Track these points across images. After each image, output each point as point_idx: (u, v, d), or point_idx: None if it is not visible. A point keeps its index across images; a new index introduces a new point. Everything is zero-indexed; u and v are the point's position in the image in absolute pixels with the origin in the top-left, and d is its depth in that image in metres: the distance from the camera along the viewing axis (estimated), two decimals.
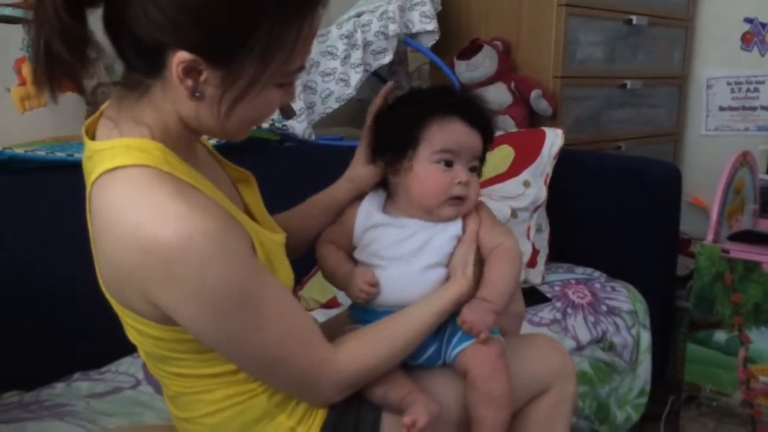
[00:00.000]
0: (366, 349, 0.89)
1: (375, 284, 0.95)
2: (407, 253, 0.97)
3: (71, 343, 1.31)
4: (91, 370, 1.27)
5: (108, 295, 0.82)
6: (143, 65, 0.76)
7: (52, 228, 1.34)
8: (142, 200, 0.73)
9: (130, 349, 1.28)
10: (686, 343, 1.71)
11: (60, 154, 1.40)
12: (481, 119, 0.99)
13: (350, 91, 1.99)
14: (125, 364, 1.28)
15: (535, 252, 1.72)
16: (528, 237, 1.70)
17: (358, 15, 2.06)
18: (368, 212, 1.02)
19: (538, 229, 1.76)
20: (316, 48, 1.97)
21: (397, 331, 0.92)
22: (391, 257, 0.97)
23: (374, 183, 1.06)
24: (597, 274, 1.77)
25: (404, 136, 0.98)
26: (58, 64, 0.72)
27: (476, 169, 1.00)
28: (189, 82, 0.75)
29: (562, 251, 1.84)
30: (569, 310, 1.58)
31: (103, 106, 0.84)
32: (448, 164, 0.97)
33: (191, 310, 0.75)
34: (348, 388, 0.89)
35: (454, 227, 0.99)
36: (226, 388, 0.86)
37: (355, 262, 1.01)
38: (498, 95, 2.07)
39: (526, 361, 1.01)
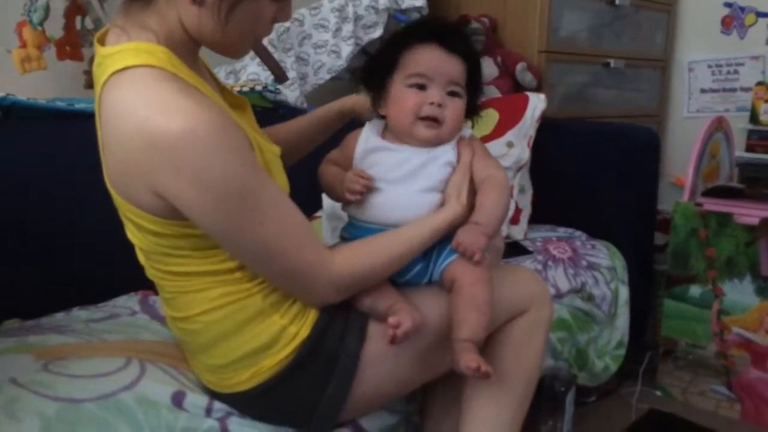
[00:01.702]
0: (361, 255, 0.95)
1: (368, 178, 1.02)
2: (404, 176, 1.03)
3: (70, 282, 1.36)
4: (89, 305, 1.32)
5: (114, 192, 0.88)
6: None
7: (52, 172, 1.39)
8: (150, 96, 0.80)
9: (126, 288, 1.37)
10: (663, 299, 1.78)
11: (60, 104, 1.46)
12: (459, 45, 1.05)
13: (341, 63, 2.05)
14: (122, 300, 1.33)
15: (518, 210, 1.79)
16: (512, 196, 1.76)
17: None
18: (367, 137, 1.09)
19: (522, 190, 1.83)
20: (308, 21, 2.04)
21: (392, 242, 0.98)
22: (390, 179, 1.03)
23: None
24: (578, 233, 1.84)
25: (384, 64, 1.06)
26: None
27: (457, 94, 1.05)
28: None
29: (545, 214, 1.91)
30: (550, 263, 1.64)
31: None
32: (421, 87, 1.03)
33: (195, 198, 0.81)
34: (342, 290, 0.94)
35: (448, 154, 1.05)
36: (223, 287, 0.92)
37: None
38: (485, 69, 2.13)
39: (505, 285, 1.07)
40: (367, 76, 1.09)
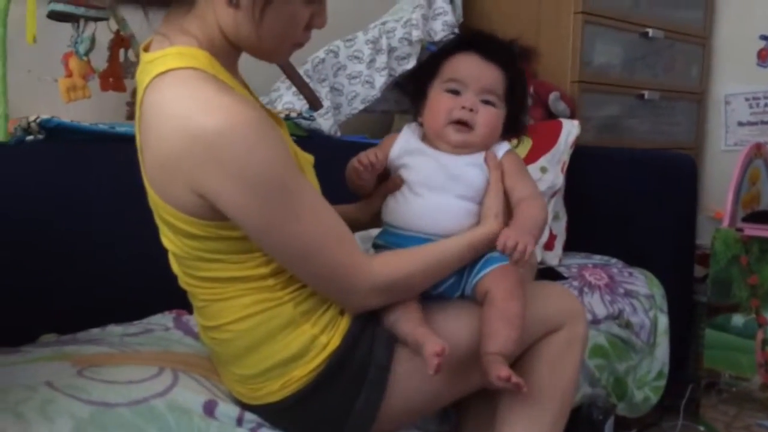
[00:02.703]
0: (398, 261, 0.96)
1: (381, 159, 1.05)
2: (442, 182, 1.04)
3: (106, 301, 1.37)
4: (124, 322, 1.33)
5: (151, 191, 0.89)
6: None
7: (92, 193, 1.42)
8: (191, 95, 0.82)
9: (159, 309, 1.38)
10: (704, 330, 1.72)
11: (102, 126, 1.50)
12: (498, 54, 1.06)
13: (375, 93, 2.08)
14: (156, 317, 1.34)
15: (553, 237, 1.77)
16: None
17: (384, 23, 2.17)
18: (407, 138, 1.10)
19: (556, 217, 1.81)
20: (343, 52, 2.09)
21: (429, 253, 0.98)
22: (429, 185, 1.04)
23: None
24: (614, 260, 1.81)
25: (426, 72, 1.09)
26: None
27: (491, 103, 1.06)
28: None
29: (579, 241, 1.88)
30: (586, 289, 1.61)
31: None
32: (456, 93, 1.05)
33: (235, 193, 0.82)
34: (381, 293, 0.93)
35: (479, 161, 1.05)
36: (255, 294, 0.92)
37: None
38: None
39: (537, 301, 1.06)
40: (411, 84, 1.13)
